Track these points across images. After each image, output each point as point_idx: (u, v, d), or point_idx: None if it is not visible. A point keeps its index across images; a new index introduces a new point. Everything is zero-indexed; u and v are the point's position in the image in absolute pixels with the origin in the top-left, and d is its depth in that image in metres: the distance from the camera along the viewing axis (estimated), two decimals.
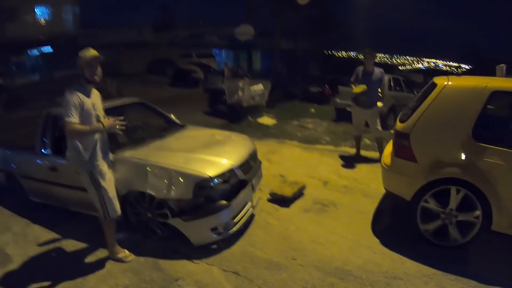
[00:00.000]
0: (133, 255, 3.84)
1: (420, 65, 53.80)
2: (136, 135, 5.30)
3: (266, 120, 11.19)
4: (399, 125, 4.14)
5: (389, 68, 23.69)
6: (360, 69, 6.53)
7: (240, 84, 11.98)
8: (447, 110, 3.85)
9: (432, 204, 3.84)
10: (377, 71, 6.45)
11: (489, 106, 3.86)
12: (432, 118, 3.88)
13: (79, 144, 3.52)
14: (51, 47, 32.98)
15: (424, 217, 3.90)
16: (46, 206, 5.37)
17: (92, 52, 3.59)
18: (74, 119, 3.35)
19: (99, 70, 3.65)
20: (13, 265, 4.03)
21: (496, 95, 3.72)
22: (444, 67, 54.55)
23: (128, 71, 30.65)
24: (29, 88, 25.49)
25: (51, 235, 4.66)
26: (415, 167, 3.89)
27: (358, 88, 6.31)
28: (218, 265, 3.69)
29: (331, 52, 37.96)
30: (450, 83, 3.91)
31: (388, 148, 4.61)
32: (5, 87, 22.38)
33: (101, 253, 4.12)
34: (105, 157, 3.73)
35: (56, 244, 4.42)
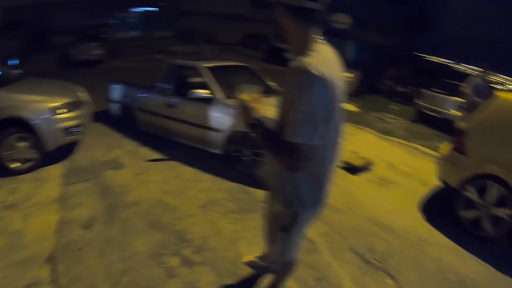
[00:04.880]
0: None
1: None
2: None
3: (350, 107, 11.94)
4: (460, 123, 4.89)
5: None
6: (471, 79, 6.95)
7: None
8: (499, 118, 4.52)
9: (473, 195, 4.46)
10: (484, 85, 6.86)
11: None
12: (485, 122, 4.60)
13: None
14: (154, 8, 35.30)
15: (464, 205, 4.54)
16: (151, 135, 6.90)
17: None
18: None
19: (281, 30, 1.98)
20: (126, 170, 5.52)
21: None
22: None
23: (222, 40, 32.27)
24: (127, 42, 28.04)
25: (158, 156, 6.14)
26: (465, 160, 4.64)
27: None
28: None
29: (422, 55, 36.76)
30: (505, 96, 4.62)
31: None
32: (110, 38, 24.81)
33: (199, 172, 5.56)
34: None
35: (163, 163, 5.85)
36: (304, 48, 1.86)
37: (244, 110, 1.95)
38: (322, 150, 1.95)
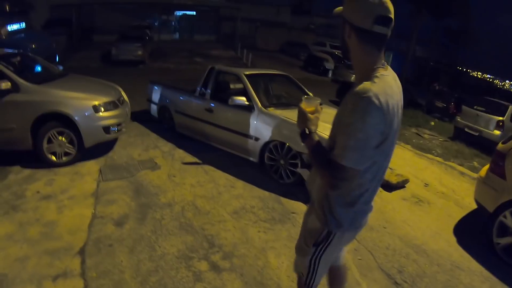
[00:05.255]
0: None
1: None
2: (282, 100, 6.60)
3: None
4: (500, 145, 4.73)
5: None
6: None
7: None
8: None
9: (509, 221, 4.30)
10: None
11: None
12: None
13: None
14: (195, 12, 35.71)
15: (500, 231, 4.37)
16: (187, 138, 7.04)
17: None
18: None
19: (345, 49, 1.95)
20: (161, 171, 5.61)
21: None
22: None
23: (262, 46, 32.49)
24: (169, 44, 28.58)
25: (194, 159, 6.21)
26: (503, 184, 4.45)
27: None
28: None
29: (465, 69, 35.78)
30: None
31: None
32: (151, 39, 25.35)
33: (234, 178, 5.59)
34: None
35: (198, 166, 5.92)
36: (368, 72, 1.80)
37: (302, 119, 1.99)
38: (367, 175, 1.89)
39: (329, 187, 1.92)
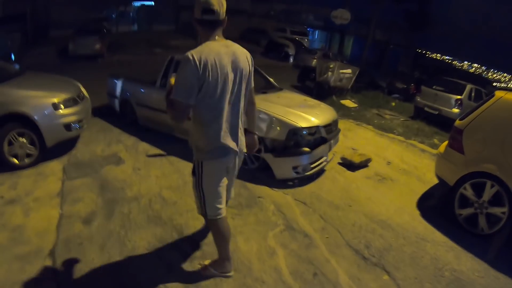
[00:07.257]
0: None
1: None
2: None
3: (348, 102, 11.99)
4: (457, 122, 4.93)
5: (481, 82, 23.01)
6: None
7: (331, 65, 12.89)
8: (497, 117, 4.52)
9: (469, 193, 4.52)
10: None
11: None
12: (483, 121, 4.61)
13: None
14: (153, 2, 35.08)
15: (461, 203, 4.61)
16: (150, 130, 6.96)
17: None
18: None
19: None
20: (125, 165, 5.55)
21: None
22: None
23: (223, 34, 32.19)
24: (128, 36, 27.99)
25: (158, 151, 6.15)
26: (462, 158, 4.69)
27: None
28: (291, 195, 4.93)
29: (425, 51, 36.57)
30: (506, 96, 4.55)
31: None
32: (109, 32, 24.74)
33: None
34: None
35: (162, 158, 5.88)
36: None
37: (170, 87, 2.68)
38: (207, 116, 2.70)
39: (174, 119, 2.70)
